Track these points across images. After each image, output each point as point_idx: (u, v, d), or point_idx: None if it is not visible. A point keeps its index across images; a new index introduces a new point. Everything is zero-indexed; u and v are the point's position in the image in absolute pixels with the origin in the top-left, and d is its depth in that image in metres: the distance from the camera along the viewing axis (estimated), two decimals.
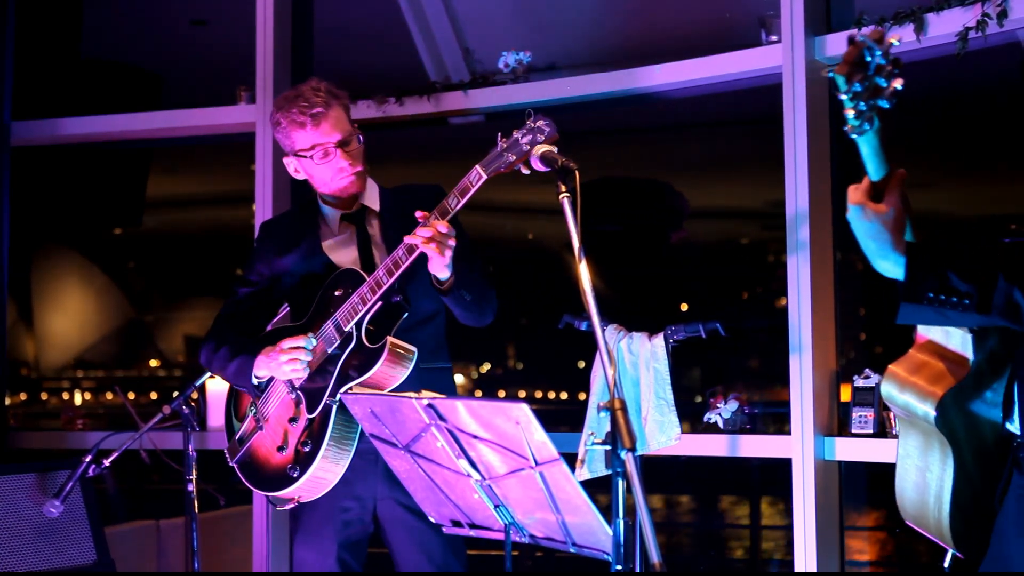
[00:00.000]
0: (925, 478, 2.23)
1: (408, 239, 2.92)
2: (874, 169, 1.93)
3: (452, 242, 2.90)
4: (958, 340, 2.19)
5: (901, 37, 1.81)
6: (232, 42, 5.15)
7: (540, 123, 2.71)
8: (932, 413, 2.16)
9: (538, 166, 2.65)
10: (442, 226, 2.88)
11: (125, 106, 4.93)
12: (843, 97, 1.81)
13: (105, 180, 5.52)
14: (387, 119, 4.48)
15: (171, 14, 5.61)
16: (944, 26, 3.53)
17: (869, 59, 1.78)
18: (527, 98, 4.31)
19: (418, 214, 2.91)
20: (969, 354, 2.17)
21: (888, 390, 2.28)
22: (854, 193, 1.95)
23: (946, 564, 2.47)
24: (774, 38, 3.86)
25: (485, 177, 2.83)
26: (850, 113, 1.82)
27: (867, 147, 1.90)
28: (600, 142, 5.16)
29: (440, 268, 2.95)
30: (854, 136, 1.86)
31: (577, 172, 2.53)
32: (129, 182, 5.61)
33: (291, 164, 3.20)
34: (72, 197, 5.55)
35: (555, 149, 2.65)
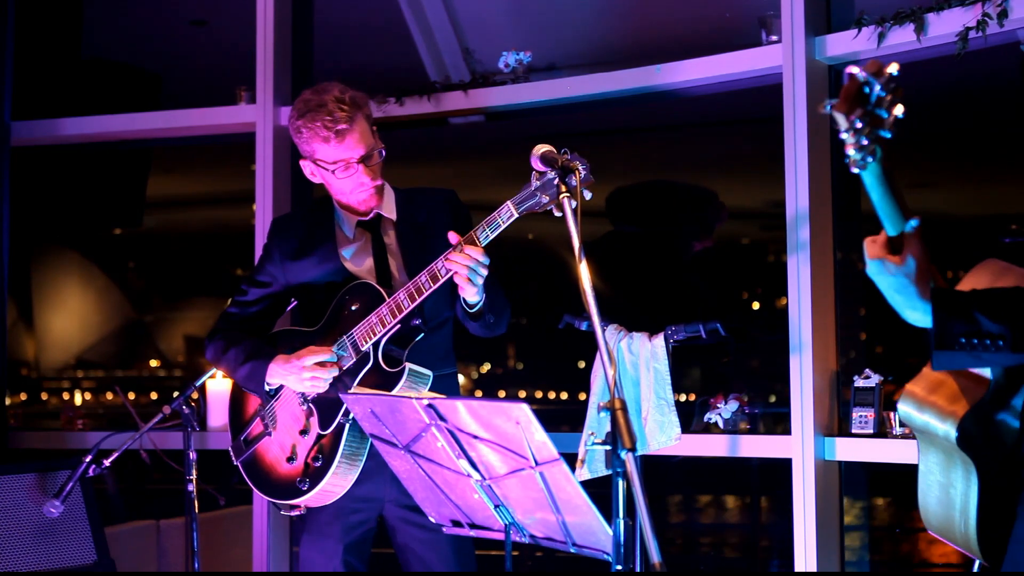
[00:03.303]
0: (949, 494, 2.21)
1: (438, 265, 2.89)
2: (886, 213, 1.87)
3: (485, 271, 2.86)
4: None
5: (900, 66, 1.74)
6: (232, 42, 5.14)
7: (576, 163, 2.60)
8: (954, 433, 2.13)
9: (538, 166, 2.64)
10: (476, 253, 2.83)
11: (125, 106, 4.93)
12: (844, 135, 1.74)
13: (105, 180, 5.51)
14: (387, 119, 4.48)
15: (171, 14, 5.60)
16: (944, 26, 3.53)
17: (868, 91, 1.72)
18: (527, 98, 4.31)
19: (451, 238, 2.87)
20: (986, 372, 2.14)
21: (906, 410, 2.24)
22: (871, 247, 1.89)
23: (975, 568, 2.47)
24: (774, 38, 3.86)
25: (516, 216, 2.79)
26: (851, 149, 1.76)
27: (871, 177, 1.84)
28: (600, 142, 5.16)
29: (471, 295, 2.93)
30: (856, 171, 1.80)
31: (577, 172, 2.53)
32: (129, 182, 5.60)
33: (307, 168, 3.16)
34: (72, 197, 5.55)
35: (555, 149, 2.64)
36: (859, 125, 1.73)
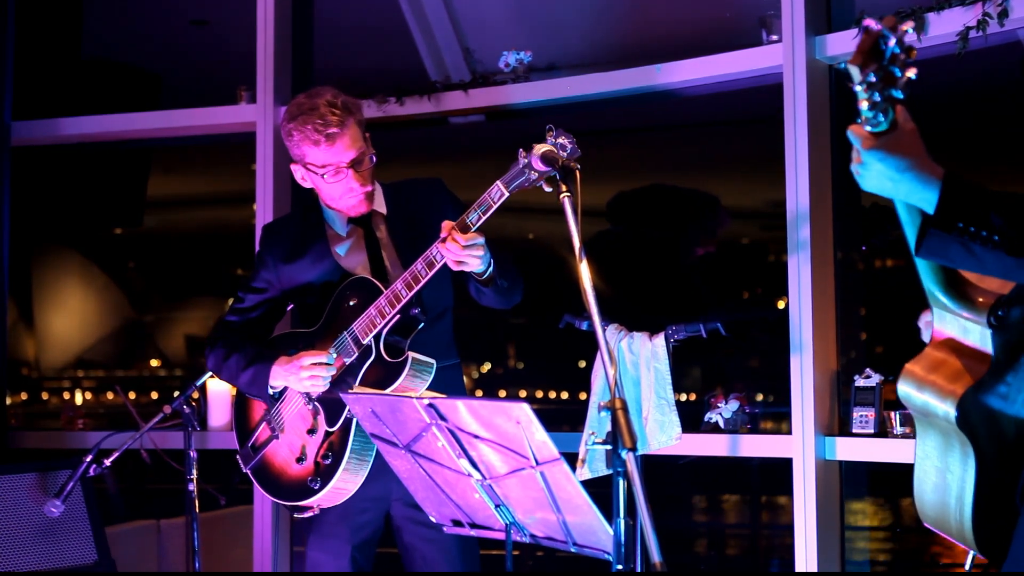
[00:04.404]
0: (945, 479, 2.17)
1: (433, 251, 2.88)
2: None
3: (479, 252, 2.86)
4: (977, 335, 2.12)
5: (913, 24, 1.73)
6: (232, 42, 5.14)
7: (562, 139, 2.62)
8: (953, 412, 2.09)
9: (539, 166, 2.64)
10: (467, 239, 2.83)
11: (125, 106, 4.93)
12: (857, 88, 1.73)
13: (105, 180, 5.51)
14: (387, 119, 4.48)
15: (171, 14, 5.60)
16: (945, 25, 3.53)
17: (884, 47, 1.71)
18: (527, 98, 4.31)
19: (444, 227, 2.86)
20: (989, 349, 2.10)
21: (905, 390, 2.20)
22: (866, 141, 1.80)
23: (967, 566, 2.45)
24: (775, 38, 3.86)
25: (507, 194, 2.77)
26: (864, 104, 1.75)
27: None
28: (600, 142, 5.16)
29: (474, 268, 2.92)
30: (868, 129, 1.78)
31: (578, 172, 2.53)
32: (129, 182, 5.60)
33: (298, 172, 3.15)
34: (72, 197, 5.55)
35: (555, 149, 2.63)
36: (872, 79, 1.72)
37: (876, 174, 1.84)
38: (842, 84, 3.87)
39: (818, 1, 3.82)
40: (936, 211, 1.82)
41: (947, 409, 2.11)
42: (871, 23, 1.71)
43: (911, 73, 1.72)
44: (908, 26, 1.70)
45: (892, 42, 1.70)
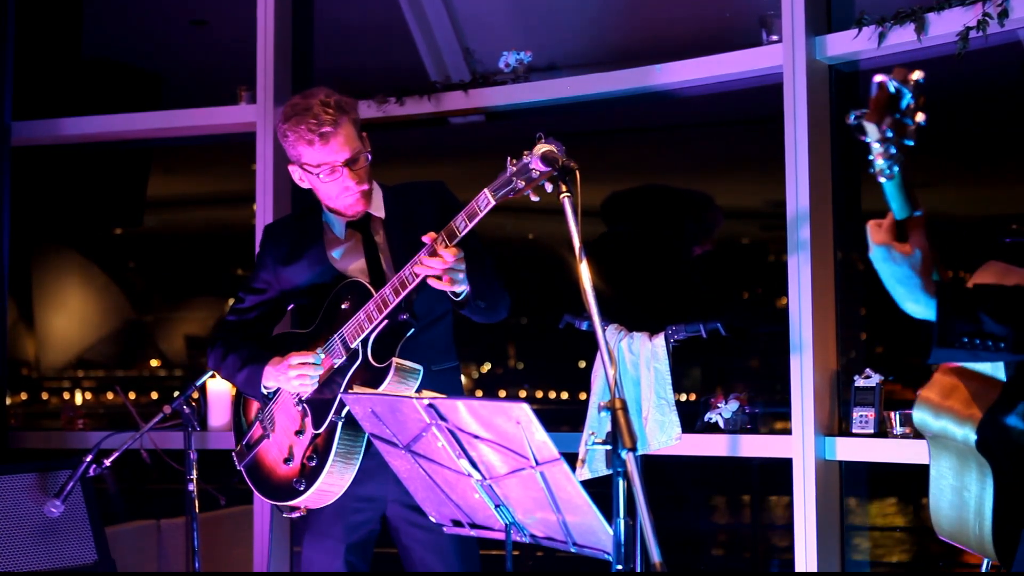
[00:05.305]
0: (962, 497, 2.22)
1: (416, 268, 2.89)
2: (899, 207, 1.85)
3: (461, 266, 2.86)
4: (988, 363, 2.17)
5: (923, 74, 1.71)
6: (232, 42, 5.14)
7: (573, 164, 2.61)
8: (973, 436, 2.13)
9: (538, 166, 2.64)
10: (449, 255, 2.83)
11: (125, 106, 4.93)
12: (874, 145, 1.72)
13: (105, 180, 5.51)
14: (387, 119, 4.48)
15: (171, 14, 5.60)
16: (945, 26, 3.53)
17: (899, 100, 1.70)
18: (527, 98, 4.31)
19: (425, 239, 2.87)
20: (1000, 375, 2.15)
21: (922, 417, 2.24)
22: (878, 233, 1.86)
23: (983, 567, 2.48)
24: (775, 38, 3.86)
25: (494, 203, 2.78)
26: (880, 159, 1.74)
27: (893, 187, 1.82)
28: (600, 142, 5.16)
29: (453, 288, 2.93)
30: (881, 180, 1.79)
31: (578, 172, 2.53)
32: (129, 182, 5.60)
33: (296, 173, 3.16)
34: (72, 197, 5.55)
35: (555, 149, 2.63)
36: (889, 135, 1.71)
37: (879, 268, 1.89)
38: (842, 84, 3.88)
39: (818, 1, 3.82)
40: (936, 331, 1.88)
41: (966, 433, 2.15)
42: (884, 79, 1.70)
43: (920, 119, 1.71)
44: (918, 75, 1.69)
45: (908, 96, 1.69)
